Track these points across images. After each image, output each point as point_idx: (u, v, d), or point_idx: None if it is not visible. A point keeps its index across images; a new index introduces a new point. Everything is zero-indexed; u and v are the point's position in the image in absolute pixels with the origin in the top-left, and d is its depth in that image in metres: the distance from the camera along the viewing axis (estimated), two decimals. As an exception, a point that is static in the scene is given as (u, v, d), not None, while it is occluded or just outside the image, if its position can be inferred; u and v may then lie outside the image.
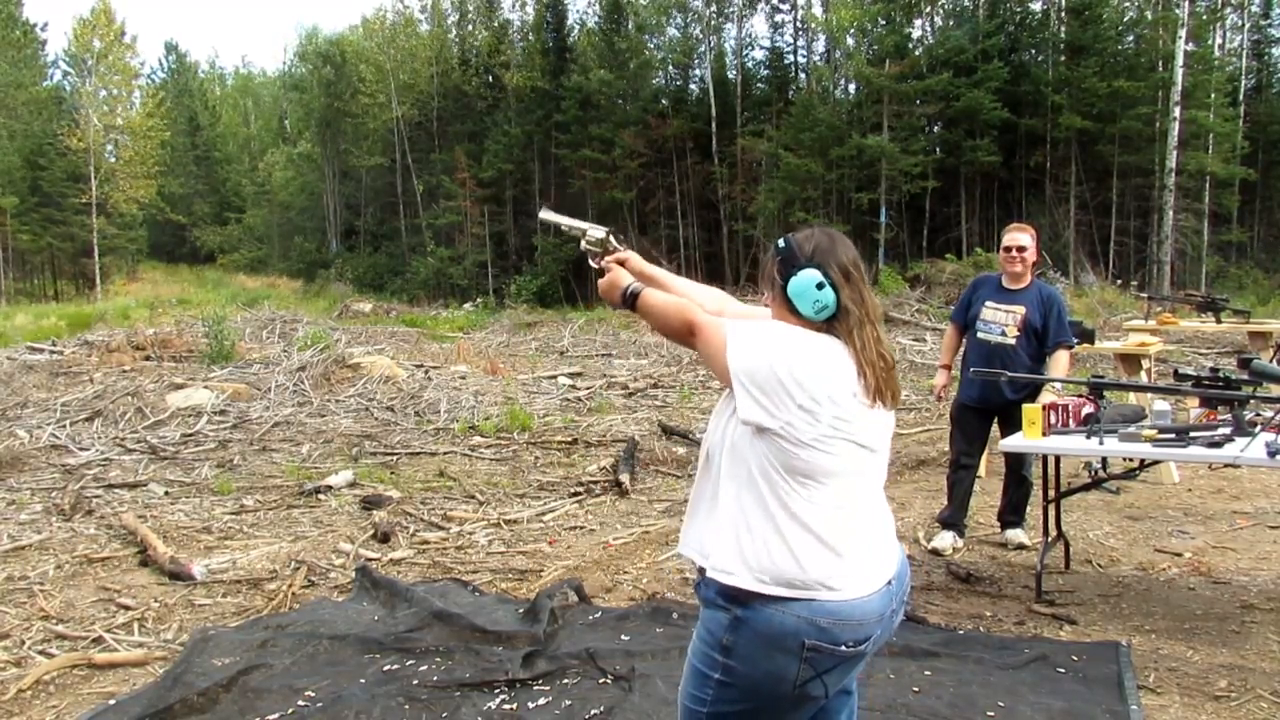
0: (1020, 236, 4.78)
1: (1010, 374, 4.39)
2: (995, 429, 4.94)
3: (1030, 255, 4.77)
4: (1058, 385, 4.42)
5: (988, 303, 4.81)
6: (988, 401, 4.79)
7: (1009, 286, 4.81)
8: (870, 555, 1.81)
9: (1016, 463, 4.85)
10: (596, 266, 2.15)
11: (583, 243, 2.21)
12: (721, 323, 1.84)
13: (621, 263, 2.15)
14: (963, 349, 5.01)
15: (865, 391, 1.77)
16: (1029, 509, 4.98)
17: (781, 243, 1.89)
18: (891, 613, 1.83)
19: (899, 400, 1.86)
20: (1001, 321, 4.75)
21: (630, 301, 1.99)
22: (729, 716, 1.79)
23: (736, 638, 1.74)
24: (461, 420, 8.74)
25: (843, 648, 1.73)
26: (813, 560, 1.73)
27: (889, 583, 1.82)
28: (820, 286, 1.79)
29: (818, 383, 1.72)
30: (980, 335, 4.79)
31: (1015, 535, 4.93)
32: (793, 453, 1.72)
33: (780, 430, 1.72)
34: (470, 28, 34.47)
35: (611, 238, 2.19)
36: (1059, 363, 4.69)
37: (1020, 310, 4.71)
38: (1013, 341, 4.70)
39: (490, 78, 31.94)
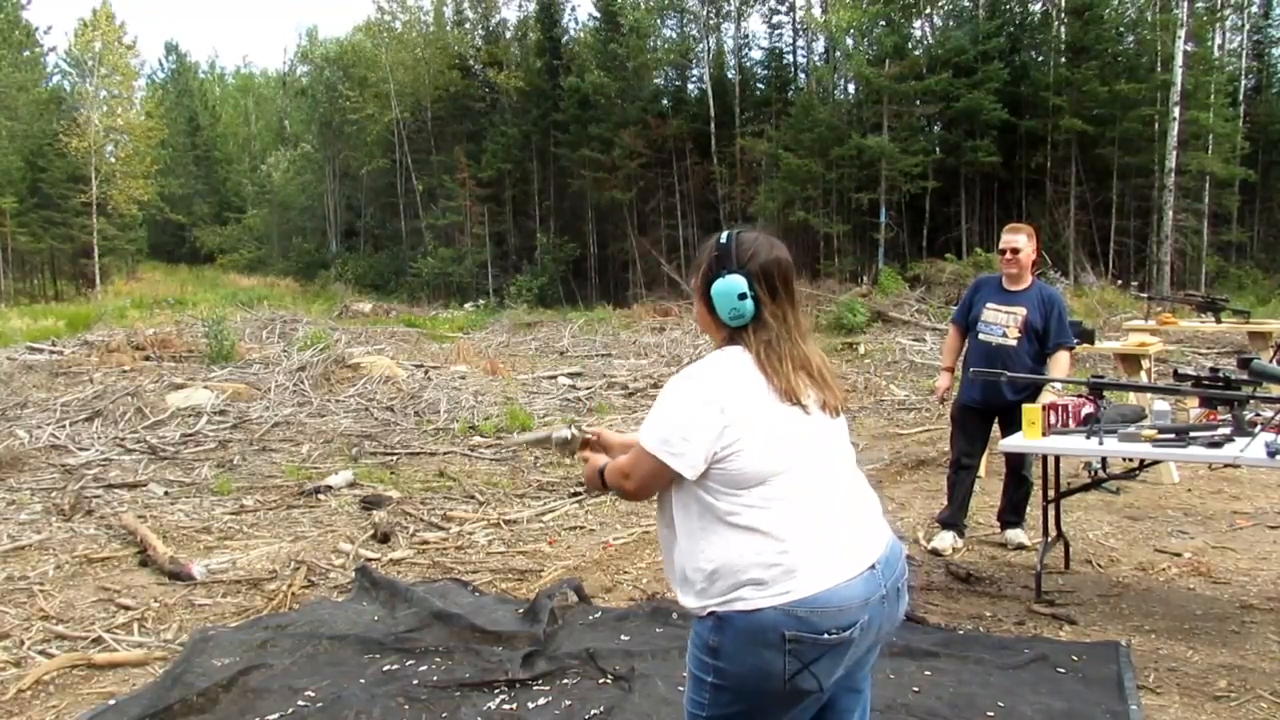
0: (1014, 239, 4.77)
1: (1010, 374, 4.40)
2: (996, 429, 4.94)
3: (1026, 256, 4.76)
4: (1058, 386, 4.42)
5: (988, 304, 4.81)
6: (989, 402, 4.79)
7: (1009, 288, 4.81)
8: (839, 542, 1.79)
9: (1017, 463, 4.85)
10: (574, 461, 2.14)
11: (553, 448, 2.21)
12: (633, 445, 1.87)
13: (592, 441, 2.13)
14: (964, 350, 5.01)
15: (779, 395, 1.78)
16: (1029, 509, 4.98)
17: (723, 238, 1.89)
18: (882, 597, 1.80)
19: (836, 408, 1.88)
20: (1002, 323, 4.74)
21: (603, 482, 2.00)
22: (728, 719, 1.80)
23: (721, 638, 1.76)
24: (461, 420, 8.74)
25: (826, 636, 1.72)
26: (772, 559, 1.73)
27: (872, 567, 1.81)
28: (742, 297, 1.81)
29: (724, 407, 1.75)
30: (981, 336, 4.79)
31: (1015, 535, 4.93)
32: (722, 470, 1.76)
33: (714, 458, 1.76)
34: (464, 27, 34.45)
35: (574, 430, 2.16)
36: (1059, 364, 4.69)
37: (1021, 311, 4.71)
38: (1014, 342, 4.70)
39: (488, 75, 31.93)
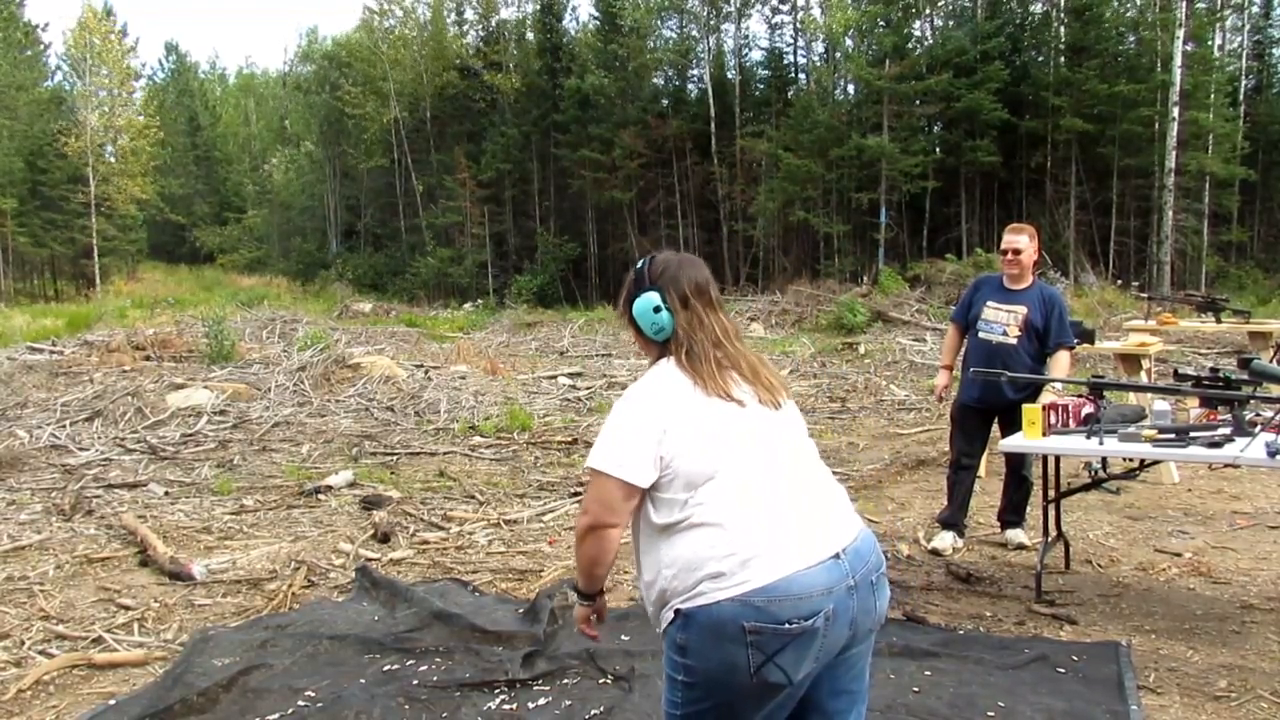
0: (1016, 239, 4.77)
1: (1010, 374, 4.40)
2: (995, 429, 4.94)
3: (1028, 256, 4.76)
4: (1058, 385, 4.43)
5: (989, 303, 4.81)
6: (988, 402, 4.79)
7: (1010, 287, 4.81)
8: (794, 531, 1.81)
9: (1017, 462, 4.85)
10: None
11: None
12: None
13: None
14: (963, 349, 5.01)
15: (707, 393, 1.86)
16: (1029, 509, 4.98)
17: (639, 264, 2.05)
18: (849, 587, 1.80)
19: (776, 401, 1.93)
20: (1003, 321, 4.74)
21: (582, 568, 2.01)
22: (701, 716, 1.82)
23: (688, 635, 1.79)
24: (461, 420, 8.74)
25: (786, 626, 1.73)
26: (725, 550, 1.77)
27: (836, 555, 1.81)
28: (657, 310, 1.94)
29: (659, 413, 1.84)
30: (982, 335, 4.79)
31: (1015, 535, 4.93)
32: (670, 475, 1.83)
33: (661, 464, 1.83)
34: (463, 29, 34.45)
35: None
36: (1060, 363, 4.69)
37: (1022, 310, 4.71)
38: (1014, 342, 4.70)
39: (485, 77, 31.88)
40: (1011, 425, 4.49)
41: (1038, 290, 4.79)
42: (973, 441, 4.96)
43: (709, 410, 1.85)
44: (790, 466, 1.89)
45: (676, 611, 1.80)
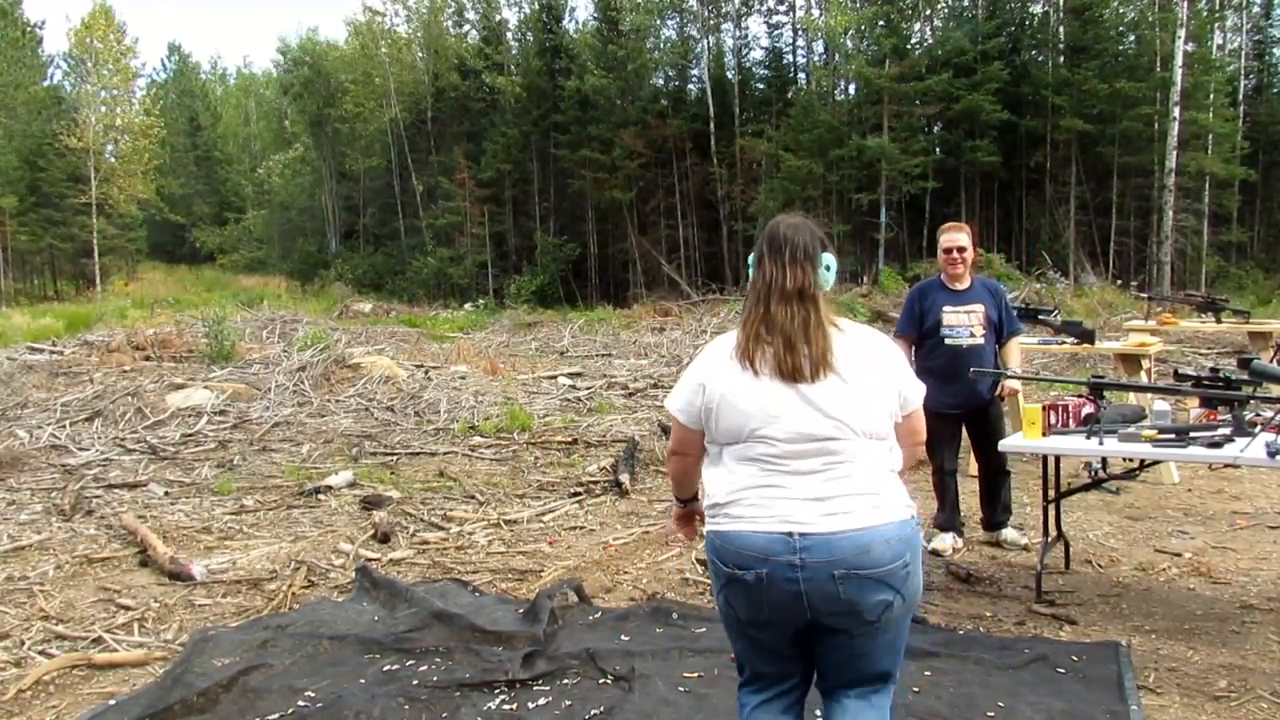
0: (959, 237, 4.74)
1: (1012, 373, 4.43)
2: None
3: (970, 254, 4.77)
4: (1018, 373, 4.54)
5: (944, 308, 4.73)
6: (967, 405, 4.74)
7: (956, 288, 4.77)
8: (756, 499, 2.02)
9: (999, 462, 4.81)
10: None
11: None
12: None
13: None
14: (915, 361, 4.80)
15: (736, 357, 2.04)
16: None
17: None
18: (790, 564, 1.95)
19: (795, 370, 2.00)
20: (966, 324, 4.71)
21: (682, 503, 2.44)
22: (720, 610, 2.17)
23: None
24: (461, 420, 8.74)
25: (724, 567, 2.04)
26: (712, 497, 2.10)
27: (789, 534, 1.97)
28: (749, 267, 2.17)
29: (700, 375, 2.11)
30: (948, 342, 4.71)
31: (1011, 535, 4.93)
32: (709, 423, 2.11)
33: (702, 412, 2.11)
34: (464, 29, 34.44)
35: None
36: (1014, 352, 4.77)
37: (979, 309, 4.71)
38: (982, 341, 4.69)
39: (485, 79, 31.86)
40: (981, 425, 4.64)
41: (981, 286, 4.82)
42: (949, 446, 4.92)
43: (733, 377, 2.05)
44: (791, 441, 2.01)
45: None
